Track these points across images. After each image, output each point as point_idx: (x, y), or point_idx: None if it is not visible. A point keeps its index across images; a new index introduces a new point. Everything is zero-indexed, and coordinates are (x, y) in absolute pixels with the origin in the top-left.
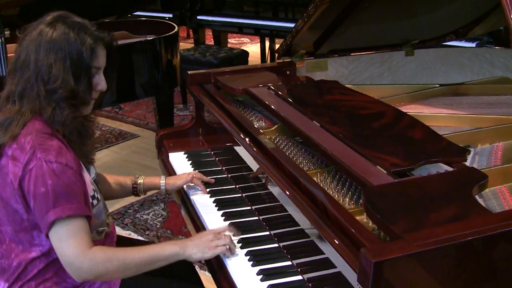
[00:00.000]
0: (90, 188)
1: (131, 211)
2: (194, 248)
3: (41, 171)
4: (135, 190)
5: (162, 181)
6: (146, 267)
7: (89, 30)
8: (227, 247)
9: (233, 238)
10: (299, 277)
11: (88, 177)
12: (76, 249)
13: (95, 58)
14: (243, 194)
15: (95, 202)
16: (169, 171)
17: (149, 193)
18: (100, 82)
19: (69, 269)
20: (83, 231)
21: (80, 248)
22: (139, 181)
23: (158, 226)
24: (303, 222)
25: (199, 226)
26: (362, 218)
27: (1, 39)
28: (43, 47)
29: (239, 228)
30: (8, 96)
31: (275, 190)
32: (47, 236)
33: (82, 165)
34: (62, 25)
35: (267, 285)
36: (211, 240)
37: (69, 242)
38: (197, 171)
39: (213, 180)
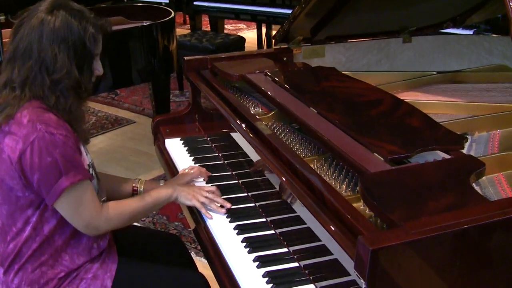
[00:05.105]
0: (86, 162)
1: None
2: (182, 192)
3: (44, 142)
4: (135, 193)
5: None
6: (148, 212)
7: (89, 18)
8: (203, 204)
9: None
10: (296, 264)
11: (84, 153)
12: (93, 211)
13: (96, 46)
14: (240, 181)
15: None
16: (166, 157)
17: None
18: (98, 67)
19: (85, 230)
20: (93, 193)
21: (96, 209)
22: (139, 188)
23: (154, 212)
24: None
25: (194, 210)
26: (359, 205)
27: None
28: (46, 37)
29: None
30: (6, 83)
31: (272, 177)
32: (52, 207)
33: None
34: (63, 13)
35: (263, 272)
36: (197, 192)
37: (85, 206)
38: (193, 157)
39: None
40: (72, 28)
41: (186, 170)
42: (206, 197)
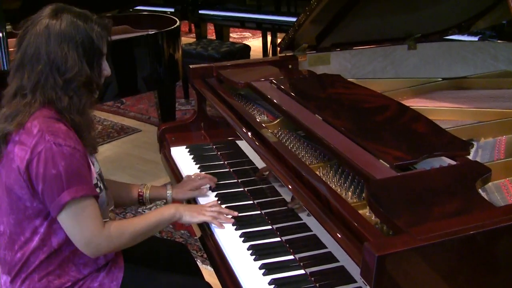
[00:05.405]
0: (94, 175)
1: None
2: (186, 211)
3: (51, 153)
4: (140, 199)
5: (168, 191)
6: (151, 233)
7: (93, 18)
8: (214, 217)
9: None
10: (302, 271)
11: (92, 166)
12: (94, 229)
13: (103, 44)
14: (245, 188)
15: (97, 190)
16: (171, 165)
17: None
18: (106, 68)
19: (86, 248)
20: (97, 211)
21: (97, 227)
22: (145, 194)
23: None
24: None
25: None
26: (365, 212)
27: (3, 34)
28: (54, 39)
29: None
30: (16, 92)
31: (277, 184)
32: (56, 218)
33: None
34: (68, 16)
35: (269, 279)
36: (201, 208)
37: (86, 223)
38: (199, 165)
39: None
40: (78, 28)
41: (193, 177)
42: (212, 211)
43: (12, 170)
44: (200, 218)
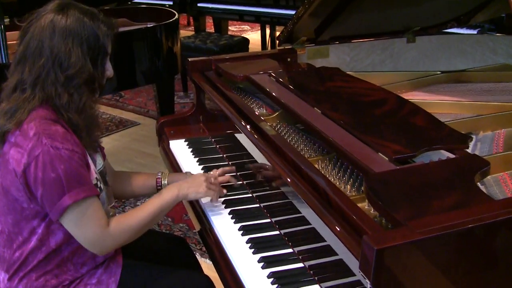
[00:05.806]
0: (93, 176)
1: (132, 198)
2: (190, 188)
3: (49, 157)
4: (159, 186)
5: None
6: (156, 220)
7: (100, 17)
8: (216, 194)
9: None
10: (300, 265)
11: (92, 166)
12: (98, 230)
13: (109, 43)
14: (244, 181)
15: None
16: (170, 158)
17: None
18: (109, 68)
19: (92, 248)
20: (99, 210)
21: (101, 228)
22: (163, 181)
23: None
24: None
25: (199, 212)
26: (364, 205)
27: (1, 27)
28: (59, 34)
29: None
30: (16, 86)
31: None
32: (56, 222)
33: (87, 154)
34: (74, 12)
35: (268, 273)
36: (204, 181)
37: (90, 224)
38: (198, 158)
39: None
40: (85, 24)
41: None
42: (216, 184)
43: (8, 171)
44: (206, 193)
